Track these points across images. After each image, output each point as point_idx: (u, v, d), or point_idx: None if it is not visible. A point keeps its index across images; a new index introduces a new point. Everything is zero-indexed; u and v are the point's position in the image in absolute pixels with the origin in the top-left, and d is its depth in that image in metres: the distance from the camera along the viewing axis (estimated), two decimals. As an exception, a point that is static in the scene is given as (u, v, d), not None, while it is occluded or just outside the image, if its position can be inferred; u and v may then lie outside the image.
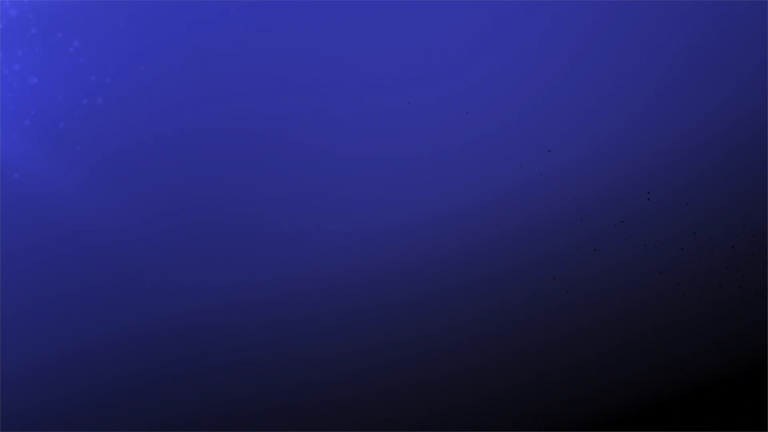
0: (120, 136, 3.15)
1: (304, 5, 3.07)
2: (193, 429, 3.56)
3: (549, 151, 3.13)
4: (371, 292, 3.47)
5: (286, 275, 3.42)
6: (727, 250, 3.54)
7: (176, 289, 3.38)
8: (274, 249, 3.38)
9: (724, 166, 3.43)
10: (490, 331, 3.58)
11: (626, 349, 3.66)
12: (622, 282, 3.55)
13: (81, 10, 3.02)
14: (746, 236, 3.53)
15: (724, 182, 3.45)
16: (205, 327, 3.45)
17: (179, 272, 3.36)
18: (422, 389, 3.63)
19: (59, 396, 3.45)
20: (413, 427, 3.67)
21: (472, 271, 3.50)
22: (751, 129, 3.39)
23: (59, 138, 3.11)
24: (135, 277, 3.34)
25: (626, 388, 3.73)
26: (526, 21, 3.16)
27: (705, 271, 3.56)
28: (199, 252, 3.34)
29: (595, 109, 3.30)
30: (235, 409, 3.57)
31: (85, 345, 3.41)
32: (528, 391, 3.68)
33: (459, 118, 3.27)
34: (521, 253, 3.49)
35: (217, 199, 3.27)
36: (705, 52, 3.26)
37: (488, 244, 3.46)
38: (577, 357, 3.64)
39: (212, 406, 3.55)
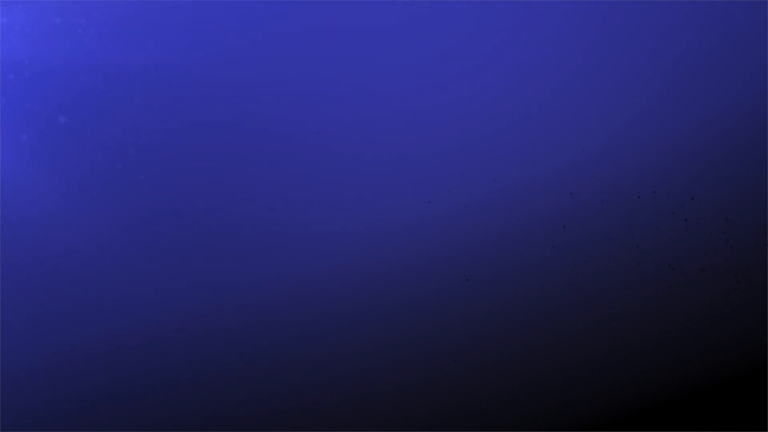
0: (116, 137, 3.15)
1: (304, 6, 3.07)
2: (194, 430, 3.56)
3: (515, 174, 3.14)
4: (371, 292, 3.48)
5: (285, 276, 3.42)
6: (727, 250, 3.54)
7: (176, 290, 3.38)
8: (274, 250, 3.38)
9: (724, 166, 3.44)
10: (490, 331, 3.58)
11: (626, 349, 3.66)
12: (621, 282, 3.55)
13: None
14: (746, 236, 3.53)
15: (724, 182, 3.45)
16: (205, 328, 3.45)
17: (179, 274, 3.36)
18: (422, 389, 3.64)
19: (60, 397, 3.45)
20: (413, 427, 3.67)
21: (472, 271, 3.50)
22: (751, 129, 3.39)
23: (51, 145, 3.11)
24: (134, 279, 3.34)
25: (626, 388, 3.73)
26: (526, 23, 3.16)
27: (705, 272, 3.56)
28: (198, 253, 3.34)
29: (596, 109, 3.30)
30: (235, 410, 3.57)
31: (86, 347, 3.41)
32: (528, 391, 3.68)
33: (460, 118, 3.27)
34: (521, 253, 3.49)
35: (216, 200, 3.27)
36: (705, 52, 3.27)
37: (488, 244, 3.46)
38: (577, 357, 3.64)
39: (213, 407, 3.55)
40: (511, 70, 3.23)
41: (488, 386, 3.67)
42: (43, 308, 3.35)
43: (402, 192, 3.35)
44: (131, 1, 2.98)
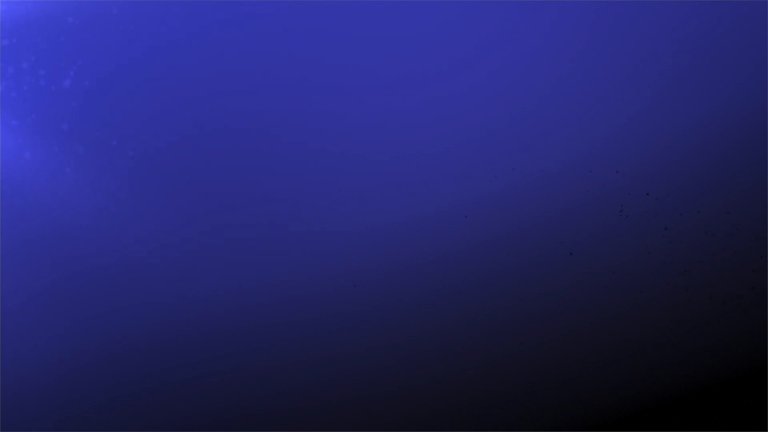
0: (120, 142, 3.16)
1: (303, 5, 3.07)
2: (197, 430, 3.56)
3: (495, 176, 3.14)
4: (371, 293, 3.48)
5: (286, 277, 3.42)
6: (727, 250, 3.54)
7: (177, 292, 3.38)
8: (274, 251, 3.38)
9: (724, 166, 3.44)
10: (490, 331, 3.59)
11: (626, 349, 3.66)
12: (621, 282, 3.55)
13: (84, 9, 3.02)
14: (746, 236, 3.53)
15: (724, 182, 3.45)
16: (207, 330, 3.45)
17: (180, 276, 3.36)
18: (422, 389, 3.64)
19: (62, 399, 3.45)
20: (413, 427, 3.68)
21: (472, 271, 3.50)
22: (751, 129, 3.39)
23: (63, 143, 3.11)
24: (136, 281, 3.34)
25: (626, 388, 3.73)
26: (525, 21, 3.16)
27: (705, 272, 3.56)
28: (199, 255, 3.34)
29: (595, 109, 3.30)
30: (237, 411, 3.58)
31: (87, 348, 3.41)
32: (528, 391, 3.68)
33: (459, 118, 3.27)
34: (521, 253, 3.49)
35: (215, 203, 3.28)
36: (705, 52, 3.27)
37: (489, 243, 3.47)
38: (577, 357, 3.64)
39: (214, 408, 3.55)
40: (511, 70, 3.23)
41: (488, 386, 3.67)
42: (49, 310, 3.35)
43: (401, 192, 3.36)
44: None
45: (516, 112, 3.30)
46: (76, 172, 3.16)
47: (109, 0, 2.92)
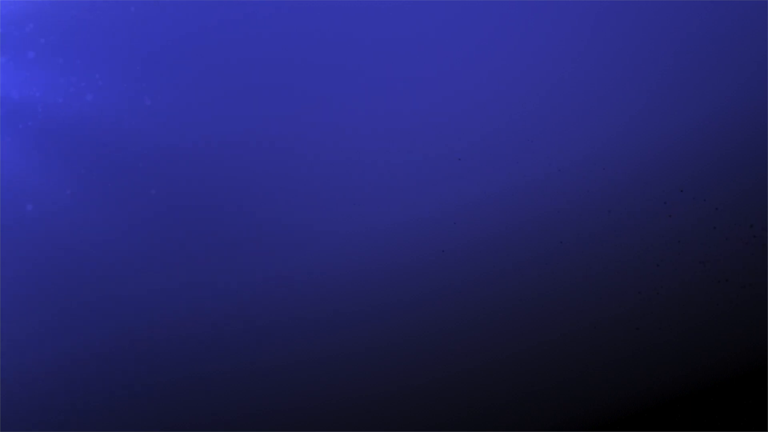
0: (115, 141, 3.15)
1: (302, 6, 3.07)
2: (195, 430, 3.56)
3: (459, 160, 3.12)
4: (371, 293, 3.48)
5: (285, 277, 3.42)
6: (727, 250, 3.54)
7: (178, 292, 3.38)
8: (274, 251, 3.38)
9: (723, 166, 3.43)
10: (490, 331, 3.58)
11: (626, 349, 3.66)
12: (622, 282, 3.55)
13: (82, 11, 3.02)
14: (746, 236, 3.53)
15: (724, 183, 3.45)
16: (207, 330, 3.45)
17: (181, 276, 3.36)
18: (422, 389, 3.64)
19: (61, 398, 3.45)
20: (413, 427, 3.67)
21: (472, 271, 3.50)
22: (751, 129, 3.39)
23: (55, 145, 3.11)
24: (136, 282, 3.34)
25: (626, 388, 3.73)
26: (525, 22, 3.16)
27: (705, 271, 3.56)
28: (197, 255, 3.34)
29: (596, 109, 3.30)
30: (237, 411, 3.58)
31: (87, 348, 3.41)
32: (528, 391, 3.68)
33: (458, 118, 3.27)
34: (521, 253, 3.49)
35: (215, 202, 3.27)
36: (705, 53, 3.26)
37: (489, 243, 3.46)
38: (577, 357, 3.64)
39: (214, 408, 3.55)
40: (511, 70, 3.23)
41: (488, 386, 3.67)
42: (46, 309, 3.35)
43: (401, 192, 3.35)
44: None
45: (516, 113, 3.29)
46: (75, 172, 3.16)
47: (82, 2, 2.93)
